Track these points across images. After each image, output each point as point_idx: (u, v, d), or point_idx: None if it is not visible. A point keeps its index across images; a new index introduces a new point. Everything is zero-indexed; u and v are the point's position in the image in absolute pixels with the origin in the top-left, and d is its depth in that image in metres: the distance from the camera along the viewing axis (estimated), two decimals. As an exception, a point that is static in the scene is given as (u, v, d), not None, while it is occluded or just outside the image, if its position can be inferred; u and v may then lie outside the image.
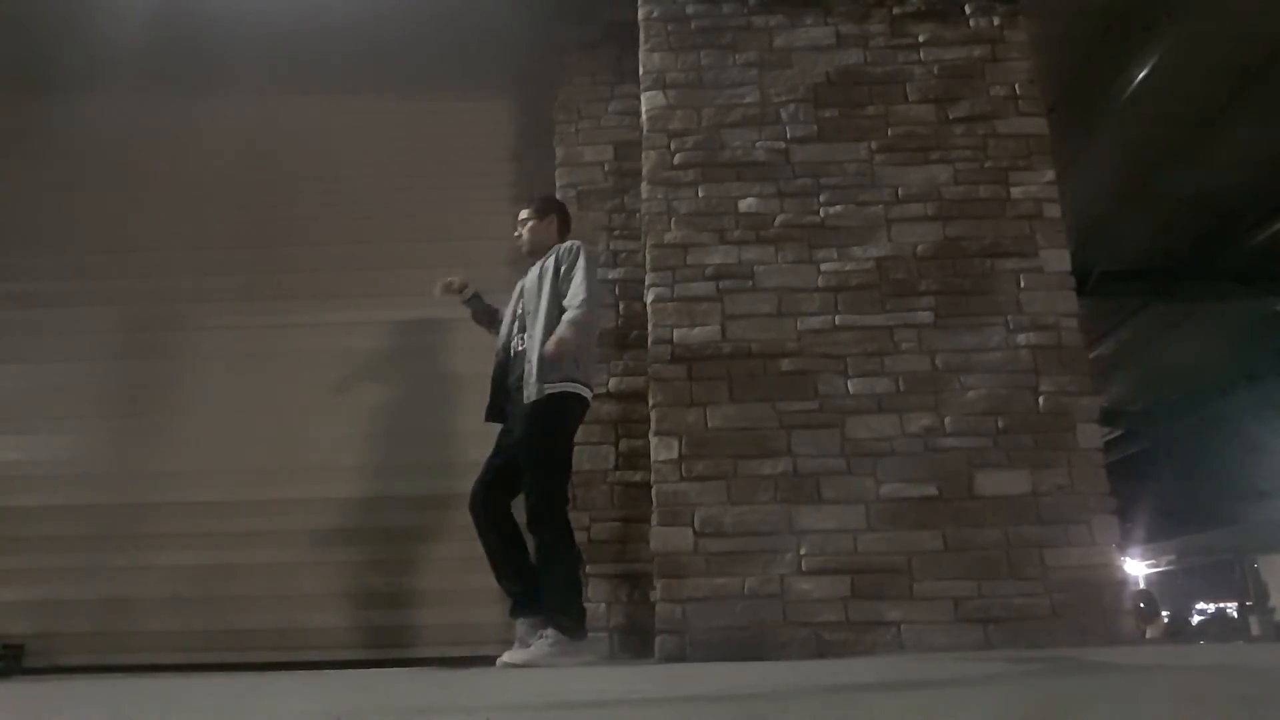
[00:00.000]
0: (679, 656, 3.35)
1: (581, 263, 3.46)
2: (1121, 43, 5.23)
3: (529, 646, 3.23)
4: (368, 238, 4.61)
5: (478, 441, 4.27)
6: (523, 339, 3.51)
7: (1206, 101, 5.68)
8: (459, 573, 4.13)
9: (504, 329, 3.69)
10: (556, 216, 3.77)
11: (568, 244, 3.59)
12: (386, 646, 4.01)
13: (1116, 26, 5.11)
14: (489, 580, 4.11)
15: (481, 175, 4.73)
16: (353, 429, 4.34)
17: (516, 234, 3.76)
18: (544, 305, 3.43)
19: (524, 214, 3.76)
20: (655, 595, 3.49)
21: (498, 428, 3.66)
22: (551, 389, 3.31)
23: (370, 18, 4.85)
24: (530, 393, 3.33)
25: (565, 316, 3.35)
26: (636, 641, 3.74)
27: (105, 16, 4.67)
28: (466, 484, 4.20)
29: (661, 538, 3.53)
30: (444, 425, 4.34)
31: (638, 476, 3.92)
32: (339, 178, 4.73)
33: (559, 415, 3.37)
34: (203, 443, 4.35)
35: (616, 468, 4.04)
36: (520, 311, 3.59)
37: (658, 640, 3.41)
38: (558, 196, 4.27)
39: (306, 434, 4.34)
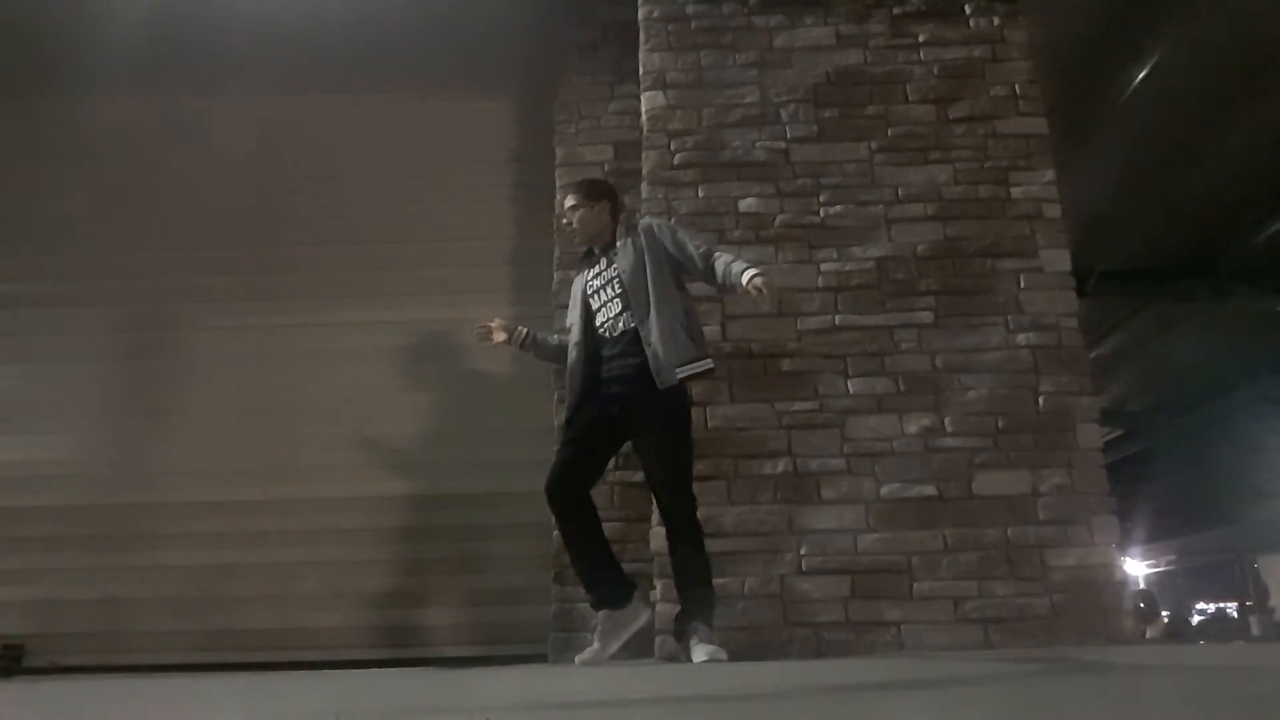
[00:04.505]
0: (679, 656, 3.35)
1: (685, 231, 3.43)
2: (1121, 43, 5.23)
3: (608, 640, 3.19)
4: (368, 238, 4.61)
5: (478, 441, 4.29)
6: (620, 321, 3.28)
7: (1206, 101, 5.68)
8: (459, 573, 4.14)
9: (579, 323, 3.41)
10: (609, 202, 3.49)
11: (652, 221, 3.43)
12: (386, 646, 4.01)
13: (1116, 26, 5.11)
14: (488, 580, 4.14)
15: (481, 175, 4.73)
16: (352, 429, 4.34)
17: (565, 221, 3.55)
18: (653, 286, 3.22)
19: (571, 200, 3.49)
20: (655, 595, 3.49)
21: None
22: (684, 372, 3.13)
23: (370, 18, 4.85)
24: (666, 379, 3.12)
25: (737, 265, 3.19)
26: (637, 641, 3.73)
27: (104, 17, 4.66)
28: (466, 483, 4.23)
29: (661, 538, 3.53)
30: (444, 425, 4.34)
31: (638, 476, 3.91)
32: (339, 178, 4.73)
33: (689, 403, 3.23)
34: (203, 443, 4.35)
35: (616, 468, 4.03)
36: (606, 299, 3.35)
37: (658, 640, 3.41)
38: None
39: (306, 434, 4.34)
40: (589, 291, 3.43)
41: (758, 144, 4.03)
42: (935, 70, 4.12)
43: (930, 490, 3.57)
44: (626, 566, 3.87)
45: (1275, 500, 12.09)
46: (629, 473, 4.00)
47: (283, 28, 4.80)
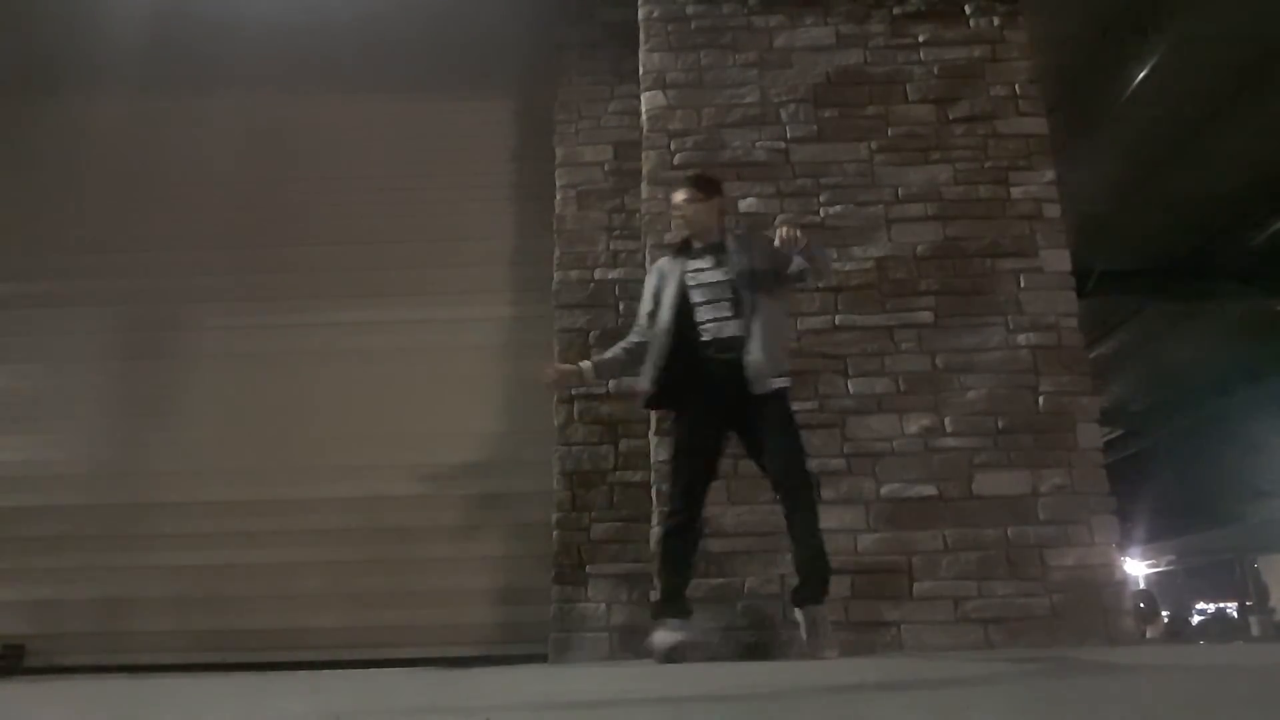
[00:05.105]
0: (679, 657, 3.34)
1: None
2: (1121, 43, 5.23)
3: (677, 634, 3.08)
4: (368, 238, 4.62)
5: (478, 441, 4.29)
6: (722, 325, 3.25)
7: (1206, 101, 5.69)
8: (459, 573, 4.14)
9: (675, 311, 3.31)
10: (721, 200, 3.50)
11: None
12: (386, 646, 4.01)
13: (1116, 26, 5.11)
14: (488, 580, 4.14)
15: (481, 175, 4.73)
16: (353, 429, 4.34)
17: (679, 214, 3.47)
18: (763, 296, 3.25)
19: (686, 194, 3.44)
20: (656, 595, 3.48)
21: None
22: (778, 383, 3.20)
23: (370, 17, 4.86)
24: (761, 386, 3.17)
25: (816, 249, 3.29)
26: (636, 641, 3.73)
27: (104, 17, 4.67)
28: (465, 483, 4.23)
29: (660, 538, 3.53)
30: (444, 425, 4.34)
31: (638, 476, 3.92)
32: (339, 178, 4.73)
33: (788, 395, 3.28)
34: (203, 443, 4.35)
35: (616, 468, 4.05)
36: (712, 297, 3.30)
37: (658, 640, 3.40)
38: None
39: (307, 434, 4.34)
40: (690, 283, 3.37)
41: (758, 144, 4.03)
42: (935, 70, 4.12)
43: (930, 490, 3.57)
44: (626, 566, 3.90)
45: (1275, 500, 12.10)
46: (628, 473, 4.00)
47: (283, 28, 4.81)
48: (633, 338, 3.51)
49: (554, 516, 3.97)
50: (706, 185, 3.49)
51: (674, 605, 3.15)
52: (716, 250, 3.38)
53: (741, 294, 3.26)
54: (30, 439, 4.40)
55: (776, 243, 3.21)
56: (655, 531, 3.29)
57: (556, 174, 4.47)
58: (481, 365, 4.41)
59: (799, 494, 3.14)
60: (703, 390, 3.24)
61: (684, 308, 3.33)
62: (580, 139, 4.53)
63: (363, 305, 4.51)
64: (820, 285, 3.61)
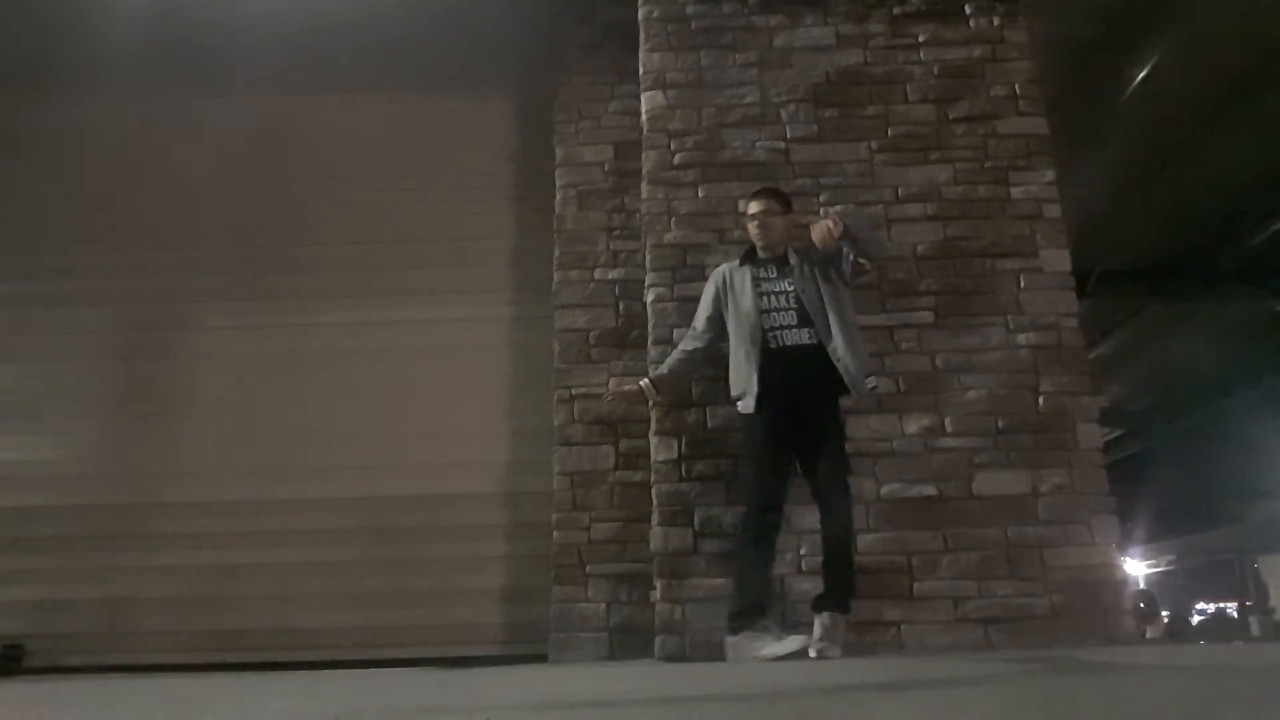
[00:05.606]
0: (679, 656, 3.35)
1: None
2: (1121, 43, 5.23)
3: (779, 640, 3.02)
4: (368, 238, 4.62)
5: (477, 441, 4.29)
6: (797, 335, 3.30)
7: (1206, 101, 5.68)
8: (459, 573, 4.14)
9: (754, 317, 3.34)
10: (791, 215, 3.55)
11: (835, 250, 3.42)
12: (386, 646, 4.01)
13: (1116, 26, 5.11)
14: (488, 580, 4.14)
15: (481, 175, 4.73)
16: (353, 429, 4.34)
17: (756, 224, 3.45)
18: (834, 304, 3.32)
19: (763, 205, 3.47)
20: (655, 595, 3.49)
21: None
22: (872, 382, 3.34)
23: (371, 17, 4.85)
24: (861, 390, 3.27)
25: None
26: (636, 641, 3.74)
27: (105, 16, 4.67)
28: (465, 483, 4.23)
29: (661, 538, 3.53)
30: (443, 425, 4.34)
31: (638, 476, 3.92)
32: (339, 177, 4.73)
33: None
34: (203, 443, 4.35)
35: (616, 468, 4.05)
36: (778, 306, 3.36)
37: (658, 640, 3.41)
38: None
39: (306, 434, 4.34)
40: (760, 291, 3.40)
41: (758, 144, 4.03)
42: (935, 70, 4.12)
43: (930, 490, 3.57)
44: (626, 567, 3.91)
45: (1275, 500, 12.09)
46: (628, 473, 4.00)
47: (283, 28, 4.81)
48: (687, 344, 3.55)
49: (554, 516, 3.97)
50: (784, 199, 3.56)
51: (765, 609, 3.12)
52: (780, 263, 3.44)
53: (811, 304, 3.32)
54: (30, 439, 4.40)
55: (815, 239, 3.27)
56: (743, 534, 3.27)
57: (556, 174, 4.47)
58: (481, 365, 4.41)
59: (839, 503, 3.20)
60: (776, 395, 3.27)
61: (758, 317, 3.37)
62: (580, 139, 4.53)
63: (363, 305, 4.51)
64: (877, 260, 3.56)
